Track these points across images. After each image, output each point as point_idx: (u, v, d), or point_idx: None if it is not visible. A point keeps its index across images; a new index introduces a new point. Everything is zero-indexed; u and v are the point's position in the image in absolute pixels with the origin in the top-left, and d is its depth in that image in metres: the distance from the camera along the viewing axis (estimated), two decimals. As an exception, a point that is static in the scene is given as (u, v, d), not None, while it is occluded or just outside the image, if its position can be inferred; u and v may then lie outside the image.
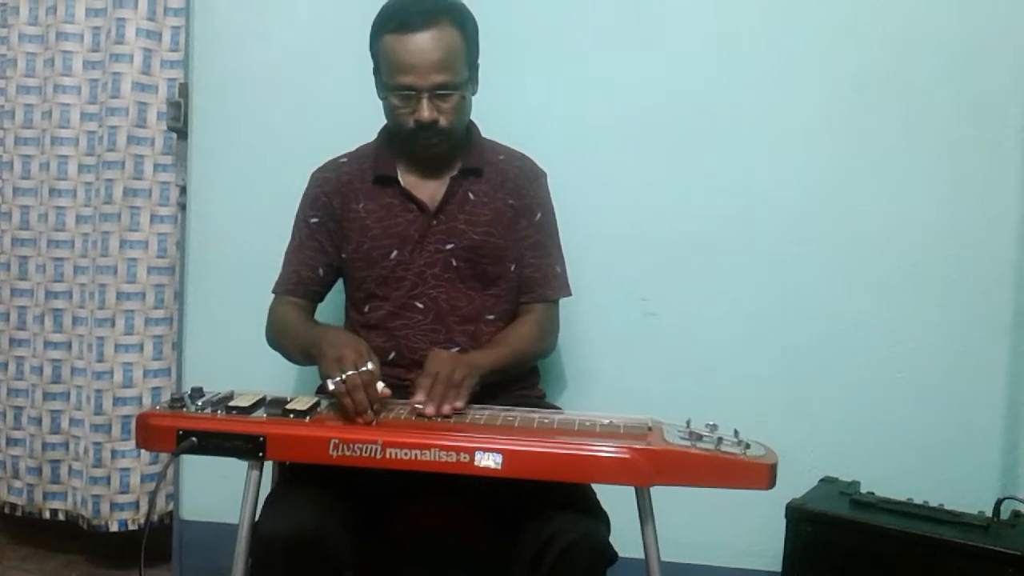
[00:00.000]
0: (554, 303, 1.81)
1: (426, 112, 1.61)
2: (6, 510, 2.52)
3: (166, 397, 2.18)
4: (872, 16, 2.01)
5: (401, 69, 1.60)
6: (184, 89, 2.27)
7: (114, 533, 2.36)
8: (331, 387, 1.40)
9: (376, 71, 1.68)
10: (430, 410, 1.42)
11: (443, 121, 1.63)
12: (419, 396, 1.43)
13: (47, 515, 2.47)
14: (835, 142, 2.04)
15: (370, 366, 1.41)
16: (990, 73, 1.97)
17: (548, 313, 1.80)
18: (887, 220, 2.02)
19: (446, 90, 1.61)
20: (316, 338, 1.55)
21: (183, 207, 2.30)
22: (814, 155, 2.05)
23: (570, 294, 1.83)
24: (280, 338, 1.73)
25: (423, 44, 1.59)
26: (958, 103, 1.99)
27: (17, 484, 2.48)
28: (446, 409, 1.43)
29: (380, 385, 1.42)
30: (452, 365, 1.48)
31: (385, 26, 1.62)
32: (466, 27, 1.65)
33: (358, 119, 1.89)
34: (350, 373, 1.39)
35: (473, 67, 1.69)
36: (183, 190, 2.30)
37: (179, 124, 2.27)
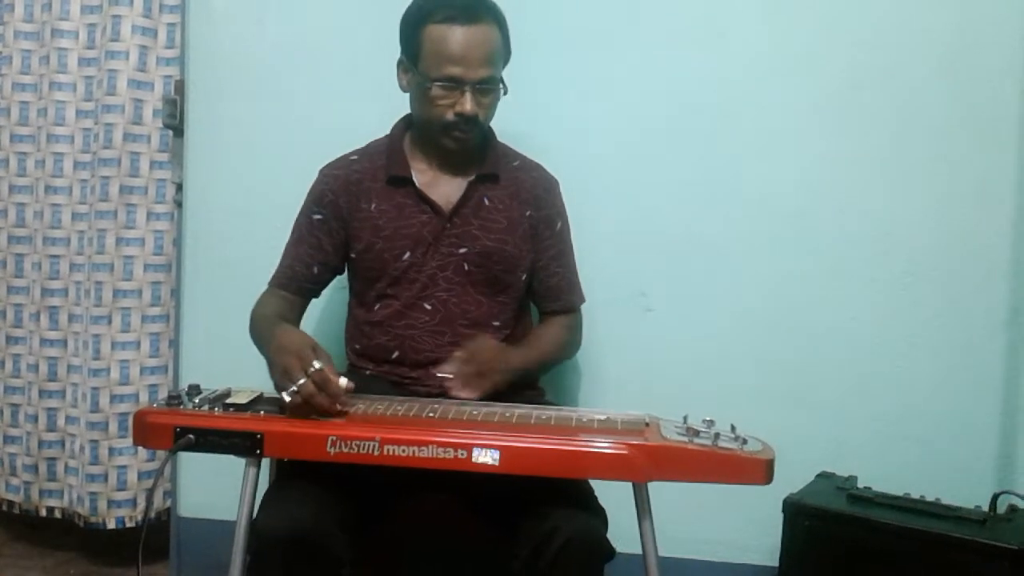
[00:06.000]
0: (578, 311, 1.84)
1: (469, 105, 1.62)
2: (3, 507, 2.52)
3: (163, 394, 2.20)
4: (866, 14, 2.01)
5: (451, 60, 1.60)
6: (180, 86, 2.27)
7: (112, 530, 2.36)
8: (287, 399, 1.37)
9: (411, 61, 1.67)
10: (454, 388, 1.45)
11: (481, 116, 1.65)
12: (450, 368, 1.44)
13: (44, 513, 2.47)
14: (831, 140, 2.04)
15: (317, 365, 1.38)
16: (984, 70, 1.98)
17: (576, 320, 1.84)
18: (883, 216, 2.03)
19: (489, 85, 1.63)
20: (268, 342, 1.53)
21: (179, 204, 2.30)
22: (810, 153, 2.05)
23: (585, 300, 1.86)
24: (252, 333, 1.71)
25: (473, 37, 1.60)
26: (953, 100, 1.99)
27: (14, 482, 2.48)
28: (464, 394, 1.45)
29: (344, 381, 1.39)
30: (491, 355, 1.52)
31: (430, 16, 1.62)
32: (503, 27, 1.67)
33: (355, 116, 1.90)
34: (301, 382, 1.37)
35: (504, 67, 1.70)
36: (179, 187, 2.30)
37: (175, 121, 2.27)
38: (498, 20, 1.65)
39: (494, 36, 1.64)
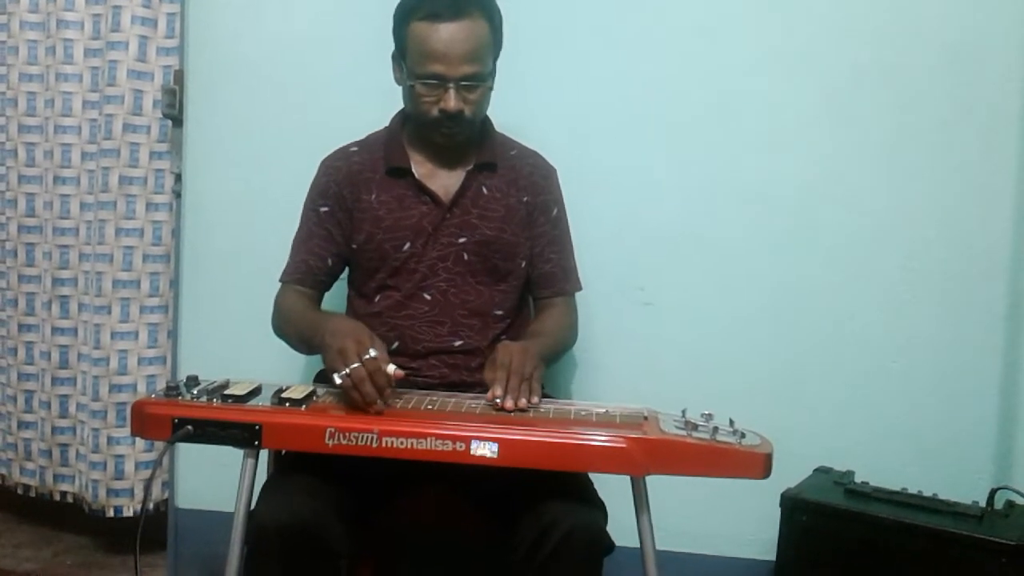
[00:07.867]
0: (573, 296, 1.83)
1: (452, 102, 1.60)
2: (19, 491, 2.55)
3: (161, 385, 2.20)
4: (868, 10, 2.01)
5: (432, 57, 1.59)
6: (179, 76, 2.26)
7: (111, 520, 2.36)
8: (337, 382, 1.39)
9: (400, 57, 1.67)
10: (509, 404, 1.42)
11: (468, 112, 1.63)
12: (496, 390, 1.43)
13: (57, 497, 2.49)
14: (831, 135, 2.03)
15: (373, 353, 1.40)
16: (986, 65, 1.97)
17: (572, 306, 1.83)
18: (883, 212, 2.02)
19: (473, 81, 1.61)
20: (318, 329, 1.53)
21: (178, 195, 2.29)
22: (810, 148, 2.04)
23: (582, 288, 1.85)
24: (285, 328, 1.72)
25: (455, 34, 1.58)
26: (954, 96, 1.99)
27: (30, 466, 2.50)
28: (523, 403, 1.43)
29: (391, 368, 1.40)
30: (522, 357, 1.48)
31: (415, 13, 1.61)
32: (494, 19, 1.65)
33: (354, 107, 1.90)
34: (354, 366, 1.38)
35: (496, 59, 1.68)
36: (178, 178, 2.29)
37: (174, 112, 2.26)
38: (486, 12, 1.63)
39: (480, 31, 1.61)
